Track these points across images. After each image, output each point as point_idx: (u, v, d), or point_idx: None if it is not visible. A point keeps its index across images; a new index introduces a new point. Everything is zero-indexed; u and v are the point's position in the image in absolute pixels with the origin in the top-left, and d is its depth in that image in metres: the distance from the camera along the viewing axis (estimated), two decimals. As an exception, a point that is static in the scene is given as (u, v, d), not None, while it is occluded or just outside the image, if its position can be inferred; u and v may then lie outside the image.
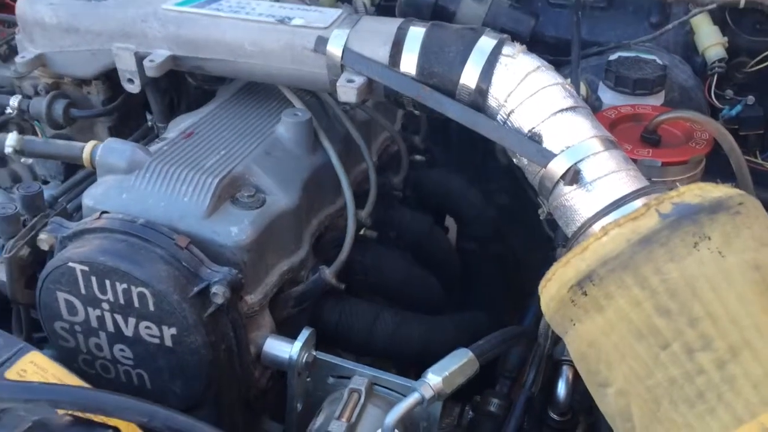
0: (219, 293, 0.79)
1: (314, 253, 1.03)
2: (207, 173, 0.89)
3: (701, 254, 0.67)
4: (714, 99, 1.34)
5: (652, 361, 0.67)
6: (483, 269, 1.36)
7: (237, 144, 0.96)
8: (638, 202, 0.77)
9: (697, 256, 0.67)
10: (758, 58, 1.36)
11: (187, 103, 1.20)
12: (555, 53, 1.30)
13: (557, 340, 1.02)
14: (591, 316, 0.72)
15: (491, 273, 1.38)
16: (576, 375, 1.02)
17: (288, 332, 0.94)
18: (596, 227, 0.78)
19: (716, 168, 1.01)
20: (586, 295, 0.71)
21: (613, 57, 1.21)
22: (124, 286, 0.80)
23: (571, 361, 1.02)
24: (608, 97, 1.18)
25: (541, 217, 0.92)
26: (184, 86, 1.22)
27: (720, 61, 1.32)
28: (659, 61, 1.18)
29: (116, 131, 1.17)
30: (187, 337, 0.81)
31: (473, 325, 1.15)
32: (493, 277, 1.38)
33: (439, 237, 1.29)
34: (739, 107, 1.33)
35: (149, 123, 1.18)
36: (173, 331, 0.81)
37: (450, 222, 1.45)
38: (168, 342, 0.82)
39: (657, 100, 1.16)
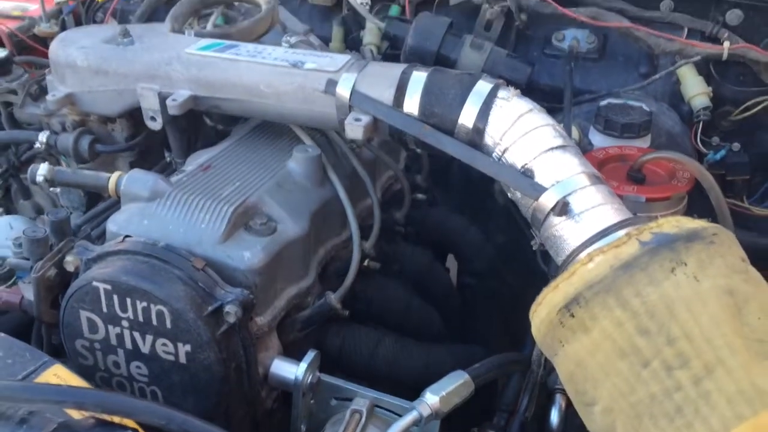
0: (232, 312, 0.85)
1: (320, 281, 1.08)
2: (223, 202, 0.95)
3: (678, 278, 0.73)
4: (700, 145, 1.41)
5: (634, 379, 0.72)
6: (481, 304, 1.41)
7: (251, 176, 1.03)
8: (621, 232, 0.82)
9: (674, 280, 0.72)
10: (742, 108, 1.43)
11: (204, 141, 1.28)
12: (550, 100, 1.37)
13: (551, 369, 1.06)
14: (578, 337, 0.76)
15: (489, 308, 1.42)
16: (569, 403, 1.06)
17: (294, 355, 0.98)
18: (583, 255, 0.83)
19: (706, 211, 1.08)
20: (573, 317, 0.76)
21: (603, 103, 1.28)
22: (144, 304, 0.86)
23: (564, 390, 1.07)
24: (598, 140, 1.25)
25: (533, 248, 0.98)
26: (201, 126, 1.29)
27: (705, 109, 1.39)
28: (646, 108, 1.26)
29: (137, 166, 1.22)
30: (200, 353, 0.86)
31: (470, 356, 1.19)
32: (490, 312, 1.43)
33: (438, 272, 1.35)
34: (723, 152, 1.40)
35: (168, 159, 1.25)
36: (188, 348, 0.86)
37: (451, 261, 1.50)
38: (182, 359, 0.87)
39: (643, 143, 1.23)
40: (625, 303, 0.73)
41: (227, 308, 0.85)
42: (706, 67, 1.43)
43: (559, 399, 1.06)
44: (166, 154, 1.27)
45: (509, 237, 1.60)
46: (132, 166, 1.23)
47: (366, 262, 1.15)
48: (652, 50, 1.42)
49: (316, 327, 1.03)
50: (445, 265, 1.50)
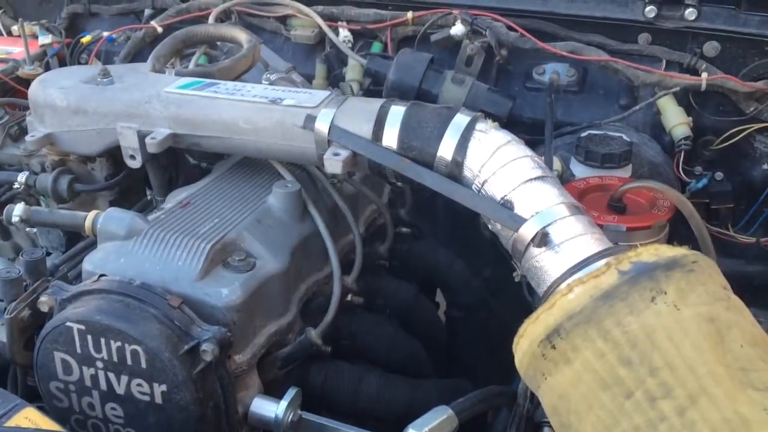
0: (208, 350, 0.84)
1: (302, 317, 1.07)
2: (200, 239, 0.94)
3: (658, 307, 0.72)
4: (683, 174, 1.42)
5: (618, 410, 0.71)
6: (468, 337, 1.39)
7: (230, 213, 1.02)
8: (601, 262, 0.82)
9: (655, 309, 0.72)
10: (723, 137, 1.44)
11: (185, 179, 1.27)
12: (532, 133, 1.38)
13: (538, 403, 1.05)
14: (560, 369, 0.75)
15: (476, 341, 1.41)
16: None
17: (274, 393, 0.97)
18: (563, 285, 0.83)
19: (691, 240, 1.07)
20: (555, 348, 0.75)
21: (583, 134, 1.29)
22: (119, 344, 0.84)
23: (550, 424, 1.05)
24: (579, 170, 1.25)
25: (516, 280, 0.97)
26: (182, 163, 1.29)
27: (686, 138, 1.40)
28: (626, 138, 1.27)
29: (117, 205, 1.22)
30: (176, 393, 0.84)
31: (456, 391, 1.17)
32: (478, 345, 1.41)
33: (424, 305, 1.34)
34: (705, 180, 1.41)
35: (149, 197, 1.24)
36: (163, 387, 0.84)
37: (440, 296, 1.49)
38: (158, 399, 0.85)
39: (624, 173, 1.23)
40: (606, 333, 0.72)
41: (204, 346, 0.84)
42: (686, 98, 1.45)
43: None
44: (148, 193, 1.26)
45: (497, 269, 1.59)
46: (112, 205, 1.22)
47: (349, 297, 1.14)
48: (632, 82, 1.44)
49: (298, 364, 1.02)
50: (435, 300, 1.49)
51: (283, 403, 0.92)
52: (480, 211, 0.94)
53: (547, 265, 0.85)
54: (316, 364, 1.05)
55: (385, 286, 1.27)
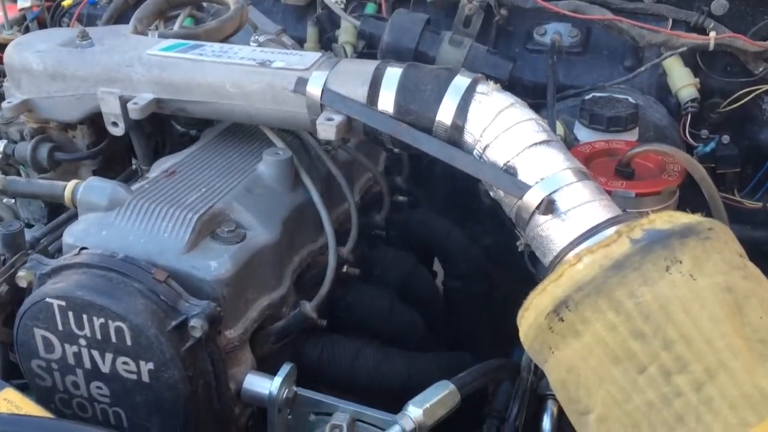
0: (197, 326, 0.79)
1: (296, 290, 1.03)
2: (187, 209, 0.90)
3: (673, 277, 0.68)
4: (689, 138, 1.37)
5: (630, 385, 0.67)
6: (467, 308, 1.36)
7: (218, 182, 0.97)
8: (611, 230, 0.78)
9: (669, 279, 0.68)
10: (730, 99, 1.39)
11: (172, 146, 1.22)
12: (533, 96, 1.32)
13: (542, 375, 1.01)
14: (568, 342, 0.72)
15: (476, 312, 1.37)
16: (561, 409, 1.02)
17: (269, 369, 0.93)
18: (571, 255, 0.79)
19: (698, 208, 1.03)
20: (562, 321, 0.72)
21: (587, 97, 1.24)
22: (101, 320, 0.80)
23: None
24: (583, 134, 1.20)
25: (519, 249, 0.93)
26: (168, 130, 1.24)
27: (693, 101, 1.35)
28: (632, 100, 1.22)
29: (101, 174, 1.16)
30: (164, 372, 0.80)
31: (457, 364, 1.14)
32: (477, 315, 1.38)
33: (422, 275, 1.29)
34: (712, 144, 1.36)
35: (134, 166, 1.19)
36: (150, 366, 0.80)
37: (438, 266, 1.45)
38: (145, 377, 0.81)
39: (631, 136, 1.18)
40: (617, 305, 0.69)
41: (192, 322, 0.80)
42: (693, 59, 1.40)
43: (551, 405, 1.02)
44: (133, 162, 1.21)
45: (497, 238, 1.56)
46: (96, 174, 1.17)
47: (345, 268, 1.10)
48: (637, 42, 1.38)
49: (293, 338, 0.98)
50: (432, 269, 1.45)
51: (278, 380, 0.88)
52: (482, 177, 0.90)
53: (554, 233, 0.81)
54: (311, 338, 1.01)
55: (382, 256, 1.22)
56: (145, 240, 0.87)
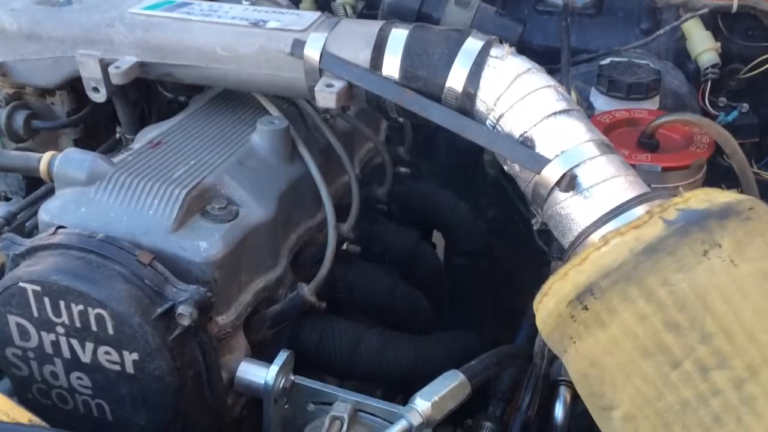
0: (185, 314, 0.73)
1: (293, 270, 0.96)
2: (174, 184, 0.82)
3: (712, 263, 0.62)
4: (708, 106, 1.30)
5: (662, 382, 0.62)
6: (473, 285, 1.30)
7: (208, 154, 0.90)
8: (640, 209, 0.72)
9: (708, 265, 0.62)
10: (751, 65, 1.32)
11: (159, 114, 1.14)
12: (543, 61, 1.23)
13: (553, 359, 0.96)
14: (593, 333, 0.66)
15: (481, 289, 1.31)
16: (574, 396, 0.96)
17: (264, 355, 0.88)
18: (595, 236, 0.73)
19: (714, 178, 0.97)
20: (586, 309, 0.66)
21: (604, 62, 1.16)
22: (80, 307, 0.73)
23: (569, 382, 0.97)
24: (600, 102, 1.13)
25: (534, 228, 0.87)
26: (155, 97, 1.16)
27: (713, 66, 1.28)
28: (653, 65, 1.14)
29: (82, 144, 1.10)
30: (150, 363, 0.73)
31: (463, 345, 1.09)
32: (483, 293, 1.32)
33: (426, 252, 1.23)
34: (735, 113, 1.29)
35: (118, 135, 1.11)
36: (135, 356, 0.74)
37: (437, 238, 1.39)
38: (129, 368, 0.75)
39: (652, 105, 1.11)
40: (649, 293, 0.62)
41: (180, 309, 0.73)
42: (714, 21, 1.32)
43: (564, 392, 0.96)
44: (117, 131, 1.13)
45: (501, 211, 1.50)
46: (77, 144, 1.10)
47: (345, 246, 1.03)
48: (654, 3, 1.31)
49: (290, 323, 0.91)
50: (431, 241, 1.39)
51: (273, 368, 0.81)
52: (495, 150, 0.83)
53: (575, 212, 0.75)
54: (309, 321, 0.94)
55: (384, 232, 1.16)
56: (127, 218, 0.80)
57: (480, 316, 1.30)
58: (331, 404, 0.84)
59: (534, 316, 1.41)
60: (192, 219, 0.81)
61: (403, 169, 1.28)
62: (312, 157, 0.96)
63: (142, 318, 0.72)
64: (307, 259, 0.99)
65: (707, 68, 1.28)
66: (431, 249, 1.27)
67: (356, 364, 0.94)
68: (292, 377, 0.84)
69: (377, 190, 1.16)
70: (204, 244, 0.79)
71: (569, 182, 0.75)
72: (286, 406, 0.86)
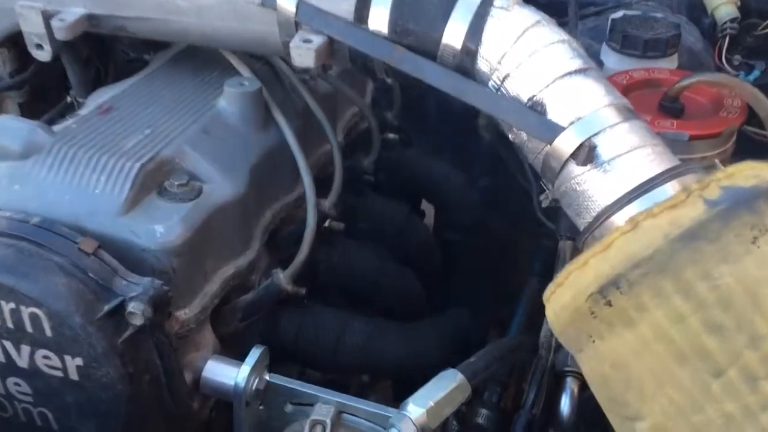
0: (137, 312, 0.62)
1: (268, 252, 0.86)
2: (126, 157, 0.71)
3: (763, 252, 0.53)
4: (725, 64, 1.19)
5: (701, 392, 0.54)
6: (466, 261, 1.20)
7: (167, 121, 0.78)
8: (671, 186, 0.64)
9: (758, 255, 0.53)
10: (769, 20, 1.21)
11: (117, 75, 1.01)
12: (548, 14, 1.13)
13: (558, 348, 0.87)
14: (617, 333, 0.57)
15: (475, 265, 1.22)
16: (582, 388, 0.88)
17: (236, 350, 0.78)
18: (619, 218, 0.64)
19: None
20: (610, 305, 0.57)
21: (616, 16, 1.05)
22: (11, 305, 0.62)
23: (576, 372, 0.88)
24: (612, 60, 1.02)
25: (543, 205, 0.77)
26: (112, 55, 1.03)
27: (732, 20, 1.18)
28: (671, 19, 1.02)
29: (29, 108, 0.98)
30: (96, 369, 0.63)
31: (456, 328, 1.00)
32: (477, 269, 1.22)
33: (417, 227, 1.13)
34: (756, 72, 1.19)
35: (69, 99, 0.98)
36: (78, 361, 0.63)
37: (426, 205, 1.28)
38: (73, 375, 0.64)
39: (670, 63, 1.00)
40: (687, 288, 0.53)
41: (130, 307, 0.62)
42: (731, -29, 1.20)
43: (571, 383, 0.88)
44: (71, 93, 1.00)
45: (496, 180, 1.40)
46: (23, 108, 0.98)
47: (327, 223, 0.92)
48: (668, -49, 1.19)
49: (264, 314, 0.81)
50: (421, 209, 1.29)
51: (245, 368, 0.72)
52: (499, 116, 0.72)
53: (593, 188, 0.65)
54: (287, 310, 0.84)
55: (371, 206, 1.05)
56: (70, 197, 0.69)
57: (474, 293, 1.21)
58: (311, 405, 0.75)
59: (532, 294, 1.29)
60: (146, 198, 0.70)
61: (391, 136, 1.17)
62: (288, 123, 0.84)
63: (85, 318, 0.61)
64: (284, 239, 0.88)
65: (725, 23, 1.18)
66: (422, 223, 1.17)
67: (340, 357, 0.84)
68: (267, 376, 0.75)
69: (363, 159, 1.05)
70: (160, 228, 0.67)
71: (587, 154, 0.65)
72: (260, 407, 0.76)
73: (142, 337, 0.64)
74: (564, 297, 0.60)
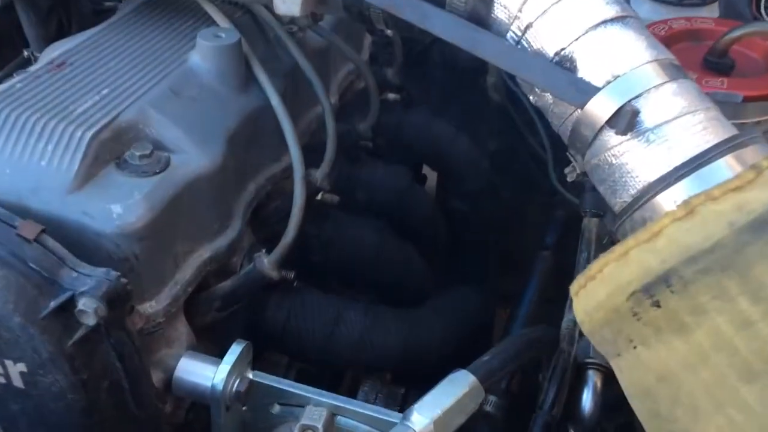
0: (88, 310, 0.51)
1: (253, 230, 0.75)
2: (77, 122, 0.60)
3: None
4: (763, 13, 1.07)
5: (773, 415, 0.45)
6: (474, 233, 1.10)
7: (129, 79, 0.67)
8: (728, 160, 0.53)
9: None
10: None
11: (81, 27, 0.89)
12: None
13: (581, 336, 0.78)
14: (666, 339, 0.49)
15: (483, 237, 1.12)
16: (606, 382, 0.78)
17: (216, 341, 0.68)
18: (665, 198, 0.54)
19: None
20: (658, 306, 0.49)
21: (648, -43, 0.92)
22: (-62, 303, 0.52)
23: (599, 364, 0.79)
24: (646, 10, 0.90)
25: (568, 178, 0.66)
26: (77, 5, 0.91)
27: (773, -36, 1.05)
28: (711, -39, 0.90)
29: (-18, 65, 0.86)
30: (43, 376, 0.53)
31: (462, 310, 0.91)
32: (485, 242, 1.12)
33: (420, 197, 1.03)
34: (801, 22, 1.07)
35: (26, 54, 0.87)
36: (22, 367, 0.53)
37: (428, 171, 1.18)
38: (17, 382, 0.54)
39: (711, 12, 0.88)
40: (757, 289, 0.45)
41: (81, 304, 0.52)
42: None
43: (593, 377, 0.78)
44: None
45: (504, 143, 1.29)
46: (-26, 65, 0.86)
47: (319, 196, 0.81)
48: None
49: (246, 302, 0.71)
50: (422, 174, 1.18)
51: (224, 367, 0.62)
52: (520, 74, 0.62)
53: (634, 161, 0.56)
54: (274, 296, 0.74)
55: (369, 174, 0.95)
56: (11, 171, 0.58)
57: (481, 268, 1.11)
58: (302, 406, 0.66)
59: (544, 270, 1.17)
60: (102, 172, 0.60)
61: (391, 96, 1.07)
62: (273, 82, 0.73)
63: (26, 317, 0.51)
64: (270, 214, 0.78)
65: (764, -31, 1.05)
66: (426, 193, 1.07)
67: (334, 350, 0.74)
68: (250, 374, 0.65)
69: (359, 123, 0.94)
70: (118, 208, 0.57)
71: (628, 120, 0.55)
72: (243, 408, 0.67)
73: (96, 338, 0.54)
74: (598, 293, 0.51)
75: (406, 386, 0.88)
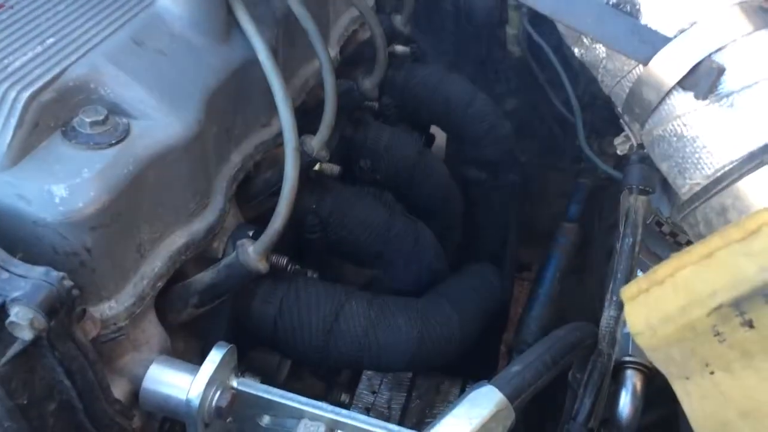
0: (22, 323, 0.41)
1: (239, 208, 0.64)
2: (12, 80, 0.48)
3: None
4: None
5: None
6: (493, 205, 0.99)
7: (80, 26, 0.54)
8: None
9: None
10: None
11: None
12: None
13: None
14: (757, 368, 0.40)
15: (503, 210, 1.00)
16: (646, 384, 0.68)
17: (196, 338, 0.58)
18: (753, 182, 0.42)
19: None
20: (751, 327, 0.38)
21: None
22: None
23: (639, 363, 0.69)
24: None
25: (618, 151, 0.55)
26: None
27: None
28: None
29: None
30: (-31, 402, 0.42)
31: (481, 296, 0.79)
32: (504, 214, 1.01)
33: (432, 165, 0.91)
34: None
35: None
36: (-58, 391, 0.43)
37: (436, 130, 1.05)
38: (-60, 409, 0.44)
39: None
40: None
41: (13, 314, 0.41)
42: None
43: (632, 377, 0.69)
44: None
45: (524, 101, 1.17)
46: None
47: (317, 167, 0.70)
48: None
49: (228, 297, 0.60)
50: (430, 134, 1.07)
51: (201, 379, 0.52)
52: (567, 20, 0.48)
53: (712, 133, 0.45)
54: (264, 286, 0.63)
55: (374, 140, 0.83)
56: (-72, 142, 0.46)
57: (500, 245, 1.00)
58: (295, 418, 0.56)
59: (567, 244, 1.05)
60: (44, 143, 0.48)
61: (399, 49, 0.94)
62: (261, 31, 0.60)
63: (-58, 332, 0.40)
64: (260, 188, 0.66)
65: None
66: (438, 160, 0.94)
67: (334, 349, 0.64)
68: (234, 383, 0.55)
69: (364, 80, 0.81)
70: (62, 190, 0.45)
71: (711, 80, 0.42)
72: (229, 421, 0.57)
73: (36, 354, 0.44)
74: (667, 303, 0.41)
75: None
